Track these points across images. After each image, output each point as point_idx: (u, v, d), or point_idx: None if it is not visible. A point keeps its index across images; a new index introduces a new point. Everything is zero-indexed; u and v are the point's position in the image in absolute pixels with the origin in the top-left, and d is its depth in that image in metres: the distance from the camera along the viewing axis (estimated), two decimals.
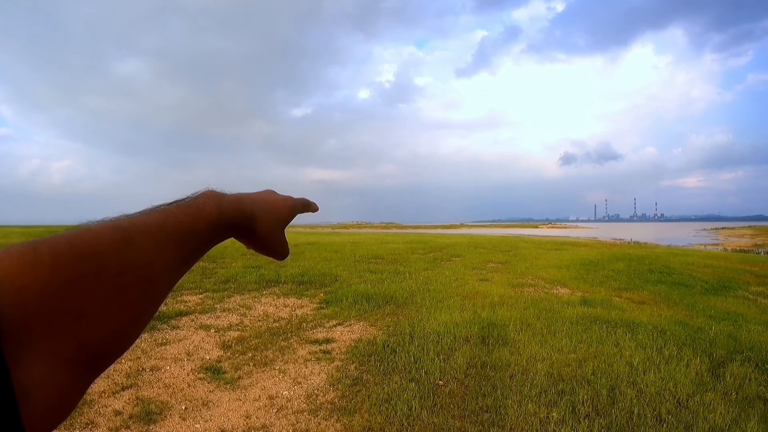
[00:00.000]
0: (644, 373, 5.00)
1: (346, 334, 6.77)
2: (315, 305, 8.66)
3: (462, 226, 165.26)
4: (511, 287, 10.44)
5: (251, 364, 5.60)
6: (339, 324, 7.33)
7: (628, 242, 38.94)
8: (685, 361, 5.38)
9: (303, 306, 8.62)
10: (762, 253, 29.37)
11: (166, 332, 6.85)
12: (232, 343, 6.36)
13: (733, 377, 4.97)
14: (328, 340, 6.46)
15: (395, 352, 5.74)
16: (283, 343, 6.36)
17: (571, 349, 5.80)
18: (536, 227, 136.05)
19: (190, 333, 6.82)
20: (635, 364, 5.23)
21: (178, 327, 7.12)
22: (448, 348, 5.85)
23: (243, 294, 9.63)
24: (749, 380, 4.93)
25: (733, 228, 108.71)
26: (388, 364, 5.37)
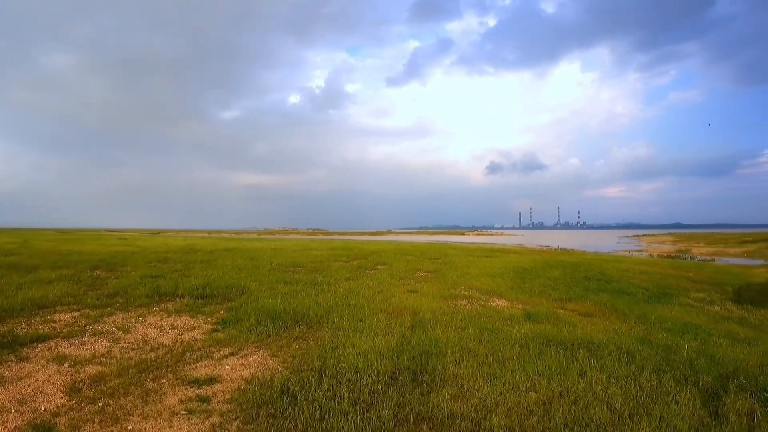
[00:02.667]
0: (630, 418, 3.71)
1: (238, 369, 5.09)
2: (209, 326, 6.87)
3: (389, 232, 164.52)
4: (444, 300, 9.02)
5: (97, 420, 3.94)
6: (232, 354, 5.63)
7: (556, 249, 39.74)
8: (672, 395, 4.19)
9: (194, 327, 6.81)
10: (689, 259, 30.73)
11: (9, 366, 5.14)
12: (84, 384, 4.69)
13: (738, 415, 3.85)
14: (211, 380, 4.81)
15: (296, 400, 4.09)
16: (151, 385, 4.70)
17: (529, 386, 4.40)
18: (463, 234, 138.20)
19: (38, 368, 5.13)
20: (617, 406, 3.91)
21: (28, 358, 5.40)
22: (369, 391, 4.26)
23: (128, 311, 7.69)
24: (757, 418, 3.80)
25: (653, 235, 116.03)
26: (284, 421, 3.75)
